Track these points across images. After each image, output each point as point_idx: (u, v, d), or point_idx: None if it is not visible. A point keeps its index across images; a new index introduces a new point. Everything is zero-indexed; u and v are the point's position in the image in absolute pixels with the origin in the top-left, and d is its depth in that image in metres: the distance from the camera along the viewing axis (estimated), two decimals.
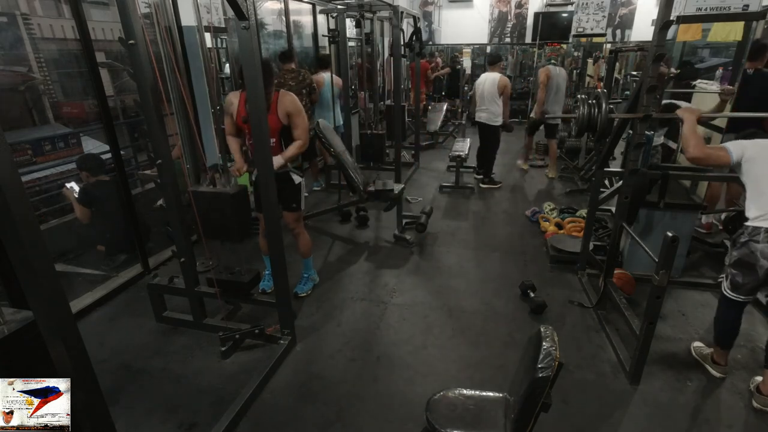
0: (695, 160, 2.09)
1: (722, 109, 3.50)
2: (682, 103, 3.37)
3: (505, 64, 9.00)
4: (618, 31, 8.98)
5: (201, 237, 2.27)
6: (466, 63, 9.23)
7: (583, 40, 7.97)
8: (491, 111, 5.06)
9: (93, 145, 4.13)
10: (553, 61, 5.77)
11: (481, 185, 5.31)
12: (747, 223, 1.99)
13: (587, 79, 7.71)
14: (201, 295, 2.59)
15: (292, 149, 2.66)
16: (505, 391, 1.53)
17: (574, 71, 8.29)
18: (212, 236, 2.40)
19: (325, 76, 4.69)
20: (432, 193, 5.18)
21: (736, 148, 2.03)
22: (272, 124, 2.56)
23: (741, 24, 3.97)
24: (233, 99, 2.60)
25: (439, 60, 9.31)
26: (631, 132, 2.69)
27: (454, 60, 9.21)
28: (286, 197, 2.79)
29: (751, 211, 1.99)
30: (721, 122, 3.84)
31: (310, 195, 4.92)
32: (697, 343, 2.45)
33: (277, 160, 2.60)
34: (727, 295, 2.08)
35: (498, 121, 5.10)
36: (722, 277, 2.21)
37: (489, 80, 5.05)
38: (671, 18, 2.18)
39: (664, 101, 3.55)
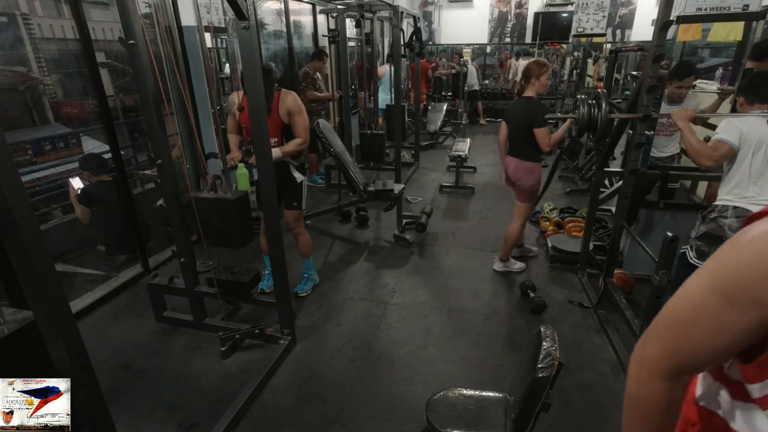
0: (711, 168, 2.23)
1: (718, 107, 3.50)
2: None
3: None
4: (618, 31, 8.97)
5: (203, 242, 2.28)
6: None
7: (583, 40, 7.95)
8: None
9: (93, 145, 4.13)
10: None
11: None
12: (716, 202, 2.22)
13: (587, 79, 7.71)
14: (201, 295, 2.59)
15: (291, 145, 2.67)
16: (505, 391, 1.53)
17: (574, 71, 8.31)
18: (214, 242, 2.41)
19: (386, 67, 5.85)
20: (432, 193, 5.18)
21: (731, 135, 2.12)
22: (274, 123, 2.57)
23: (741, 24, 3.96)
24: (236, 99, 2.61)
25: (437, 60, 9.32)
26: (631, 132, 2.69)
27: (459, 61, 9.21)
28: (287, 195, 2.79)
29: (722, 193, 2.21)
30: (717, 121, 3.82)
31: (310, 193, 4.91)
32: None
33: (275, 152, 2.60)
34: (692, 262, 2.29)
35: None
36: (686, 248, 2.35)
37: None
38: (671, 18, 2.18)
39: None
